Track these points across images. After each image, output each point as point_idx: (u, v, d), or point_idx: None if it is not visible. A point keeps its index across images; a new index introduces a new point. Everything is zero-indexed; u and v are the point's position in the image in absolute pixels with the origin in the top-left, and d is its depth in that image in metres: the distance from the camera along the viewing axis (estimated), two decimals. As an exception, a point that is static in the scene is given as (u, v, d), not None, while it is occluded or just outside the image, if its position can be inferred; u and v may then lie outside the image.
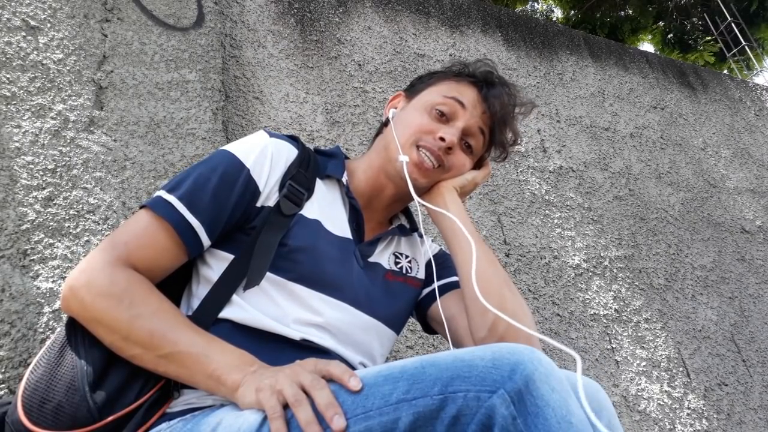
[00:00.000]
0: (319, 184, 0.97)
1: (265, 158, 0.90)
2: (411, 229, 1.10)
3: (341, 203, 0.99)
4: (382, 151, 1.02)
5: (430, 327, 1.09)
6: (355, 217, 0.98)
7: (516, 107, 1.06)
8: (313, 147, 1.04)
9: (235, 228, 0.88)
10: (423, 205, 1.00)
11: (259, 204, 0.89)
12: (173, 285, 0.89)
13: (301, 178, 0.93)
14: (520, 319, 0.88)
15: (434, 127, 0.98)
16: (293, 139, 0.98)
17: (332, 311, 0.87)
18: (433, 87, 1.05)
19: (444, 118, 1.00)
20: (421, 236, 1.13)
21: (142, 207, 0.85)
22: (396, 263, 1.03)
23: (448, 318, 0.99)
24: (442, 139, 0.97)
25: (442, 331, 1.03)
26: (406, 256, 1.06)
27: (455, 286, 1.04)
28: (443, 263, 1.09)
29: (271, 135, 0.94)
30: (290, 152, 0.94)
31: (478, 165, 1.09)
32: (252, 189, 0.88)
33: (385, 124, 1.08)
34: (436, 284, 1.04)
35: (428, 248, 1.11)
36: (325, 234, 0.92)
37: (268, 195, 0.90)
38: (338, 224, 0.95)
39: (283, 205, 0.89)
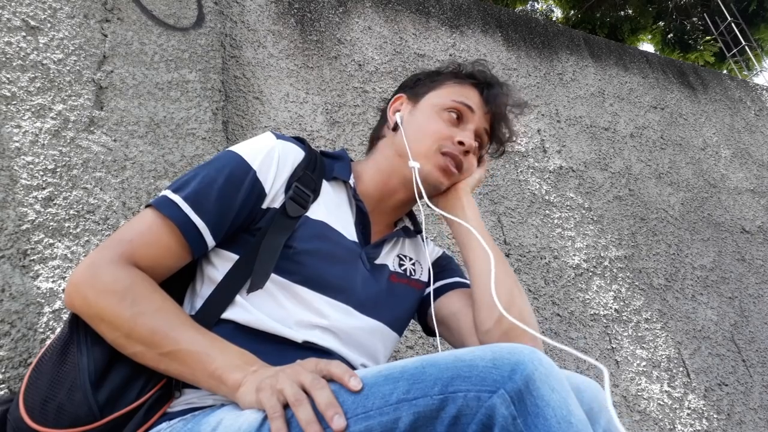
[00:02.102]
0: (326, 186, 0.97)
1: (271, 160, 0.90)
2: (415, 231, 1.10)
3: (348, 205, 0.99)
4: (394, 157, 1.02)
5: (430, 328, 1.09)
6: (362, 220, 0.98)
7: (513, 106, 1.09)
8: (318, 150, 1.04)
9: (241, 229, 0.88)
10: (439, 213, 1.02)
11: (264, 206, 0.89)
12: (177, 284, 0.89)
13: (307, 180, 0.93)
14: (527, 319, 0.91)
15: (452, 132, 1.00)
16: (300, 141, 0.98)
17: (336, 314, 0.87)
18: (437, 90, 1.06)
19: (456, 121, 1.02)
20: (423, 239, 1.13)
21: (147, 206, 0.85)
22: (400, 265, 1.03)
23: (450, 315, 1.00)
24: (461, 143, 0.99)
25: (443, 332, 1.03)
26: (410, 258, 1.07)
27: (457, 285, 1.05)
28: (446, 265, 1.10)
29: (279, 137, 0.94)
30: (297, 154, 0.94)
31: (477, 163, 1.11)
32: (258, 191, 0.88)
33: (395, 128, 1.06)
34: (434, 285, 1.04)
35: (431, 251, 1.12)
36: (331, 236, 0.92)
37: (274, 197, 0.89)
38: (344, 226, 0.95)
39: (289, 207, 0.89)
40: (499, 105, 1.04)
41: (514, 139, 1.12)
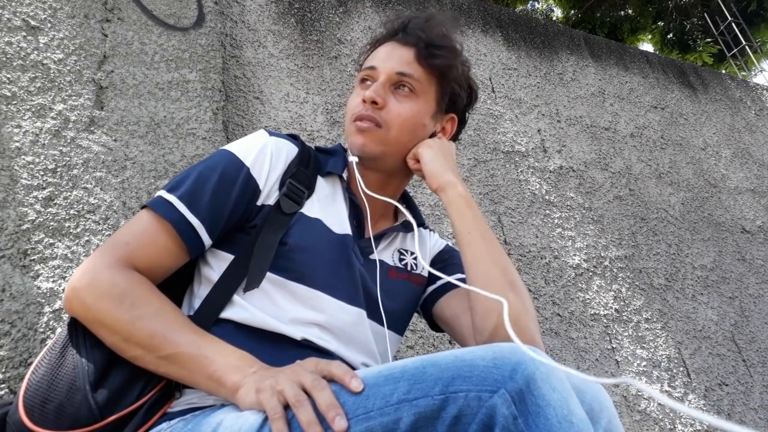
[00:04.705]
0: (321, 182, 0.96)
1: (264, 156, 0.90)
2: (417, 224, 1.09)
3: (342, 200, 0.98)
4: None
5: (436, 325, 1.07)
6: (356, 213, 0.97)
7: (437, 23, 1.00)
8: (314, 146, 1.04)
9: (236, 228, 0.88)
10: (372, 197, 0.96)
11: (259, 202, 0.89)
12: (176, 285, 0.89)
13: (301, 176, 0.93)
14: (522, 322, 0.85)
15: (360, 98, 0.97)
16: (294, 138, 0.98)
17: (332, 310, 0.87)
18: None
19: (367, 86, 0.98)
20: (419, 226, 1.10)
21: (143, 207, 0.85)
22: (400, 260, 1.02)
23: (452, 317, 0.98)
24: (363, 101, 0.95)
25: (447, 331, 1.02)
26: (411, 253, 1.05)
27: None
28: (448, 260, 1.07)
29: (271, 134, 0.94)
30: (290, 150, 0.94)
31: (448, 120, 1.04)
32: (252, 187, 0.88)
33: None
34: (436, 283, 1.03)
35: (433, 244, 1.10)
36: (326, 232, 0.91)
37: (269, 193, 0.89)
38: (339, 221, 0.94)
39: (283, 203, 0.89)
40: (416, 33, 0.97)
41: (465, 62, 1.03)
